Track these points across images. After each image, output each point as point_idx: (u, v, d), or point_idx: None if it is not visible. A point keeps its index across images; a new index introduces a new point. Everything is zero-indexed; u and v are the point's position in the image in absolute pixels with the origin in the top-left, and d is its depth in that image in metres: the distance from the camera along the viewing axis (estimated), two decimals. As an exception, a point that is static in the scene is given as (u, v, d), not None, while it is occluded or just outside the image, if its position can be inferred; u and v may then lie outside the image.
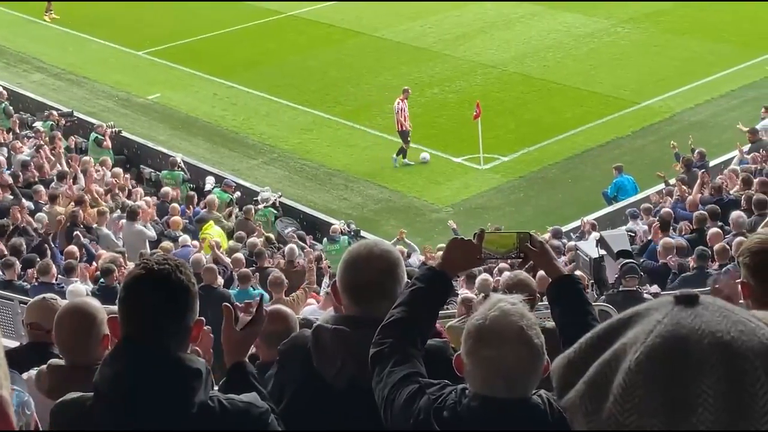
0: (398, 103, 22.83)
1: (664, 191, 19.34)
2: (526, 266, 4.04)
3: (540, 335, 2.99)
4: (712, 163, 20.13)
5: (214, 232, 17.65)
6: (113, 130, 23.21)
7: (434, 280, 3.46)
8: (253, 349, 6.20)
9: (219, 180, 21.70)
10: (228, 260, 15.76)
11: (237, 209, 20.14)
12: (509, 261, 5.97)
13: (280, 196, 21.01)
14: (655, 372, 1.16)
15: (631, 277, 11.30)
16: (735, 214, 14.72)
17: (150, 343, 3.00)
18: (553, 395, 3.04)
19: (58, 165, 19.65)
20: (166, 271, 3.03)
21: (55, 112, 24.08)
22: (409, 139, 22.87)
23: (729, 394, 1.13)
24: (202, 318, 3.14)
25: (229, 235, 18.47)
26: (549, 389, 3.19)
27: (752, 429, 1.14)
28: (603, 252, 12.24)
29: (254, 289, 13.92)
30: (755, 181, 16.39)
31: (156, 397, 2.93)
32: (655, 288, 11.78)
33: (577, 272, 13.21)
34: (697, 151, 19.95)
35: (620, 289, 11.34)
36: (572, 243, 16.60)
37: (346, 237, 18.70)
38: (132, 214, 17.41)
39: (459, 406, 2.98)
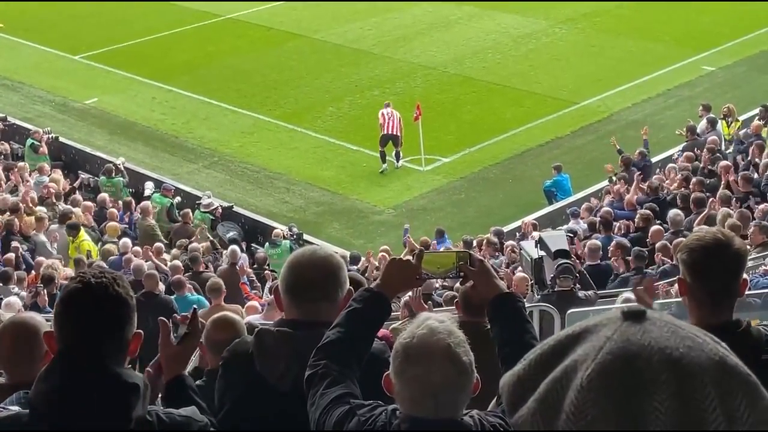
0: (386, 113, 22.48)
1: (603, 190, 19.56)
2: (466, 285, 4.06)
3: (469, 353, 2.95)
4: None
5: (85, 244, 17.06)
6: (49, 135, 22.88)
7: (371, 301, 3.44)
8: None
9: (158, 185, 21.46)
10: (167, 267, 15.67)
11: (206, 226, 19.71)
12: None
13: (231, 207, 20.87)
14: (607, 390, 1.15)
15: (565, 277, 11.31)
16: (673, 212, 14.94)
17: (87, 358, 2.93)
18: (485, 414, 3.02)
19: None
20: (104, 285, 2.97)
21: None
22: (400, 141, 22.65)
23: (680, 411, 1.14)
24: (140, 331, 3.08)
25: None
26: (482, 408, 3.19)
27: None
28: (543, 253, 12.30)
29: (192, 295, 13.82)
30: (693, 180, 16.64)
31: (93, 413, 2.87)
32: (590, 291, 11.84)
33: (521, 272, 13.31)
34: (638, 150, 20.21)
35: (555, 289, 11.38)
36: (511, 242, 16.68)
37: (287, 241, 18.63)
38: (63, 218, 17.22)
39: (389, 427, 2.93)
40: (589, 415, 1.15)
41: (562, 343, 1.24)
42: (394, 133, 22.40)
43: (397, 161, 22.83)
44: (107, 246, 16.90)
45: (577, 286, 11.52)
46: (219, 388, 3.82)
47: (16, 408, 3.36)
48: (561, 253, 12.02)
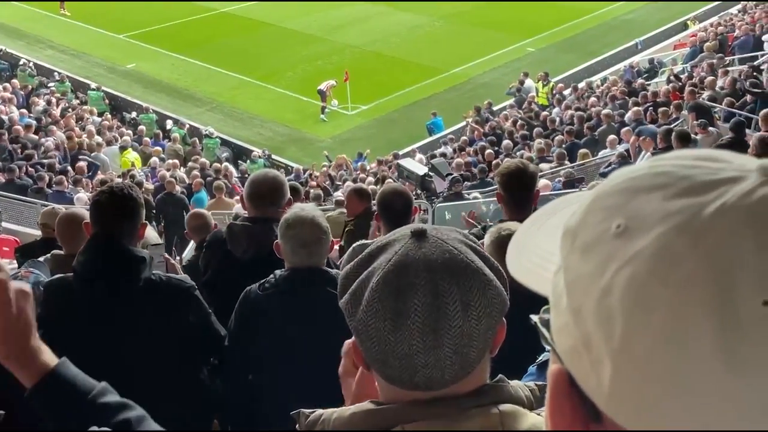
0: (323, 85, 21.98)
1: (466, 128, 19.61)
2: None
3: (326, 223, 2.95)
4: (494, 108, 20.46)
5: (131, 156, 16.66)
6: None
7: None
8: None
9: (175, 122, 20.88)
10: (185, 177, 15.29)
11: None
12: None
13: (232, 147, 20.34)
14: (386, 291, 1.09)
15: (457, 183, 11.41)
16: (505, 142, 15.06)
17: (109, 239, 2.91)
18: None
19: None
20: (120, 191, 2.94)
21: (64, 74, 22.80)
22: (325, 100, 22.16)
23: (431, 304, 1.07)
24: (146, 222, 3.06)
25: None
26: None
27: (450, 325, 1.08)
28: (432, 173, 12.13)
29: (199, 193, 13.49)
30: (517, 123, 16.77)
31: (114, 274, 2.86)
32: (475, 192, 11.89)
33: (405, 183, 13.22)
34: (486, 101, 20.23)
35: (452, 192, 11.39)
36: (396, 162, 16.63)
37: (262, 159, 18.39)
38: (108, 143, 16.69)
39: (275, 278, 2.93)
40: (374, 308, 1.10)
41: (372, 252, 1.15)
42: (325, 94, 21.94)
43: (322, 113, 22.28)
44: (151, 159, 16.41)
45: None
46: (204, 259, 3.81)
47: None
48: (448, 174, 12.03)
